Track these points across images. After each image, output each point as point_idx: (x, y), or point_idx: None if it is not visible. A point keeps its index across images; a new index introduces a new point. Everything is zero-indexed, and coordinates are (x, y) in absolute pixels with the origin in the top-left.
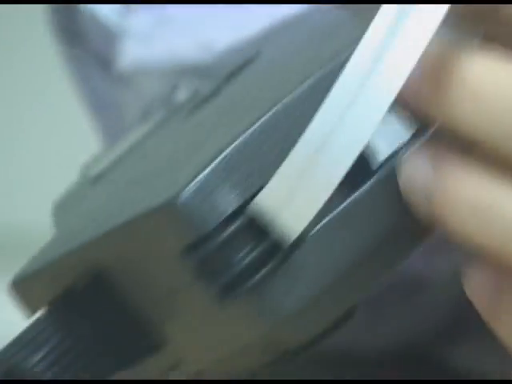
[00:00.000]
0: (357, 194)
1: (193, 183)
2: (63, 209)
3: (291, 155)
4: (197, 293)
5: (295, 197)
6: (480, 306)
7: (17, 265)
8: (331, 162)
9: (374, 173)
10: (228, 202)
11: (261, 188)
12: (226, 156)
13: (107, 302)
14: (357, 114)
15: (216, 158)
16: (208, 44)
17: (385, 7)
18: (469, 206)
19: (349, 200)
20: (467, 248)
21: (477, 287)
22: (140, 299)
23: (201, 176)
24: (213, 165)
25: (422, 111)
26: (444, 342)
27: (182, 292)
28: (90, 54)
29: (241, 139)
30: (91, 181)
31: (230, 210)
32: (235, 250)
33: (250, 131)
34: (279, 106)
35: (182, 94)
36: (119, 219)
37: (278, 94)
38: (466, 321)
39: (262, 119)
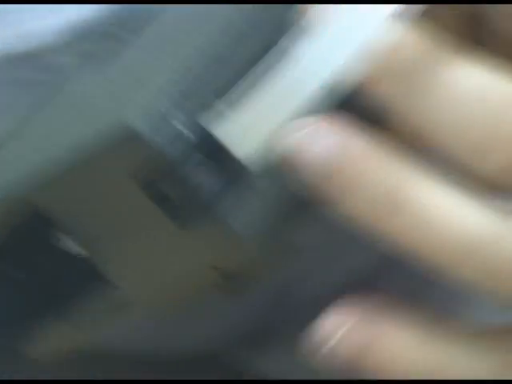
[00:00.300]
0: None
1: (149, 112)
2: None
3: (253, 86)
4: (156, 224)
5: (253, 125)
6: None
7: None
8: (289, 96)
9: None
10: (185, 129)
11: (217, 114)
12: (178, 81)
13: (45, 244)
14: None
15: (168, 85)
16: (26, 33)
17: None
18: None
19: None
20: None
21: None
22: (86, 236)
23: (156, 104)
24: (166, 92)
25: (384, 100)
26: (251, 347)
27: (139, 225)
28: None
29: (191, 62)
30: None
31: (188, 138)
32: (195, 178)
33: (199, 52)
34: (222, 26)
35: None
36: (67, 155)
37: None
38: (276, 328)
39: (207, 42)
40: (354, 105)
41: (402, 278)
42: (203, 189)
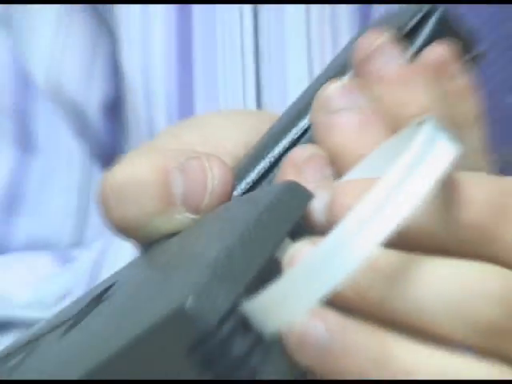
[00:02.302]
0: None
1: (195, 291)
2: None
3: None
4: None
5: (282, 306)
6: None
7: None
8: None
9: None
10: (222, 305)
11: (246, 292)
12: (218, 265)
13: None
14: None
15: (210, 269)
16: None
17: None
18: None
19: None
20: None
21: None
22: None
23: (200, 284)
24: (210, 274)
25: None
26: None
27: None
28: None
29: (228, 251)
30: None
31: (223, 312)
32: (229, 344)
33: (232, 243)
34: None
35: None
36: (126, 337)
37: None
38: None
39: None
40: None
41: None
42: (235, 353)
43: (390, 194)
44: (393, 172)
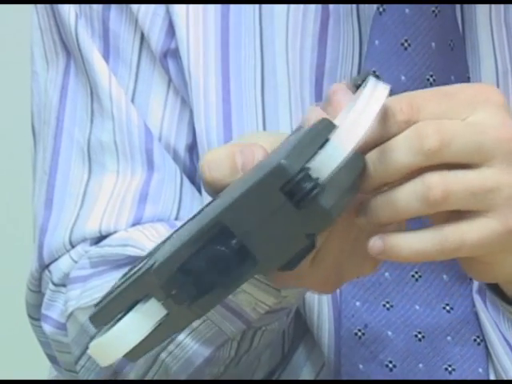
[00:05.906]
0: None
1: (284, 157)
2: None
3: None
4: (286, 208)
5: (328, 162)
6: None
7: None
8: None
9: None
10: (297, 164)
11: (308, 160)
12: (295, 146)
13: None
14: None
15: (291, 149)
16: None
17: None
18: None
19: None
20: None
21: None
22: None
23: (285, 155)
24: (289, 151)
25: None
26: None
27: (277, 212)
28: None
29: (293, 144)
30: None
31: (300, 166)
32: (303, 182)
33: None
34: None
35: None
36: (251, 182)
37: None
38: None
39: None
40: None
41: None
42: (306, 187)
43: (365, 106)
44: (364, 95)
